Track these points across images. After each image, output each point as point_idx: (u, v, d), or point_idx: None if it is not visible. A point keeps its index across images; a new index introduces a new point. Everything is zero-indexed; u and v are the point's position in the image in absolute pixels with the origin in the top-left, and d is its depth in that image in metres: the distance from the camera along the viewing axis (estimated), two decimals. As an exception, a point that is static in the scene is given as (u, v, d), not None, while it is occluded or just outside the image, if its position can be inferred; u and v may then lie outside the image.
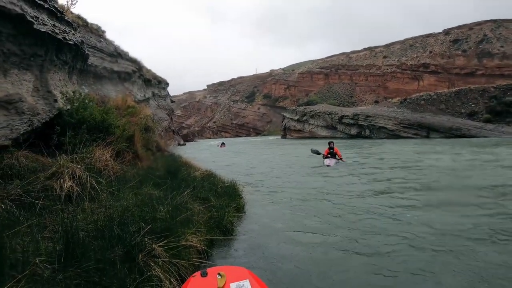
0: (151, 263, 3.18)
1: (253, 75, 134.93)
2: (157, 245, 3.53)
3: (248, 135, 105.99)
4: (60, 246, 2.88)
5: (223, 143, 41.79)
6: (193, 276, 2.55)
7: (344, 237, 5.21)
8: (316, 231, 5.63)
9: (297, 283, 3.79)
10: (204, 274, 2.49)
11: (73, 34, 7.98)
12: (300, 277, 3.92)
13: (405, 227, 5.54)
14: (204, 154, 25.69)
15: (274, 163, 17.06)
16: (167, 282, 3.11)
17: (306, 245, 5.00)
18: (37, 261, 2.58)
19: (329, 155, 14.75)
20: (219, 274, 2.44)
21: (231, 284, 2.33)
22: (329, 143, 15.24)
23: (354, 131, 45.09)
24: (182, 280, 3.31)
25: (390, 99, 59.71)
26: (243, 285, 2.32)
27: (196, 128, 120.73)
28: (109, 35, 21.42)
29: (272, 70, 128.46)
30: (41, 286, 2.40)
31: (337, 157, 14.71)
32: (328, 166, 13.80)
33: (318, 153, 16.04)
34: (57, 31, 6.63)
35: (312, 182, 10.59)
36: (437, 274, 3.84)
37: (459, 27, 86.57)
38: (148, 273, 2.97)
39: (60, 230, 3.12)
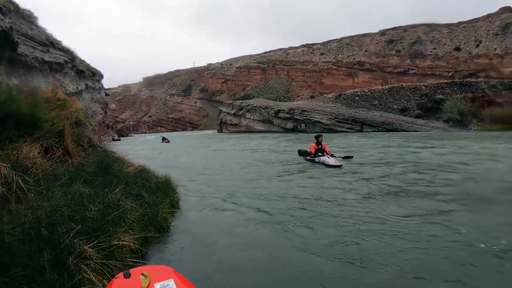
0: (82, 265, 3.06)
1: (190, 68, 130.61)
2: (88, 246, 3.39)
3: (185, 129, 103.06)
4: (-18, 253, 2.66)
5: (165, 138, 37.33)
6: (116, 278, 2.40)
7: (280, 229, 5.36)
8: (252, 223, 5.79)
9: (230, 279, 3.83)
10: (127, 275, 2.36)
11: (2, 19, 7.17)
12: (233, 274, 3.96)
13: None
14: (146, 151, 24.59)
15: (210, 158, 17.27)
16: (100, 285, 3.00)
17: (240, 238, 5.10)
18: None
19: (318, 153, 12.33)
20: (142, 274, 2.32)
21: (155, 284, 2.23)
22: (317, 137, 12.73)
23: (290, 125, 45.33)
24: None
25: (325, 95, 60.73)
26: (168, 284, 2.23)
27: (131, 123, 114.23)
28: (41, 22, 19.34)
29: (209, 64, 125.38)
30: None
31: (325, 153, 12.34)
32: (333, 166, 11.20)
33: (307, 154, 13.12)
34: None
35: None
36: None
37: (394, 28, 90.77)
38: (79, 276, 2.86)
39: (-18, 236, 2.86)
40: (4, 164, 4.61)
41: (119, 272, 3.23)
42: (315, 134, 13.32)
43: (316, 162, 12.15)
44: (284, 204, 6.95)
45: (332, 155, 12.18)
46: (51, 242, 3.16)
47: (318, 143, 12.53)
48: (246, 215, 6.29)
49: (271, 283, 3.71)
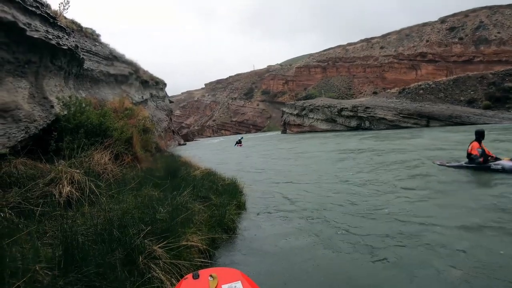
0: (151, 265, 3.17)
1: (251, 71, 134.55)
2: (157, 246, 3.50)
3: (248, 131, 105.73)
4: (60, 251, 2.87)
5: (239, 141, 33.42)
6: (184, 279, 2.51)
7: (351, 238, 5.05)
8: (320, 230, 5.53)
9: (297, 282, 3.77)
10: (196, 276, 2.47)
11: (67, 39, 7.93)
12: (300, 277, 3.90)
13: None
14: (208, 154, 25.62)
15: (278, 158, 17.10)
16: (168, 284, 3.08)
17: (309, 242, 4.96)
18: (37, 268, 2.57)
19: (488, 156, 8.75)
20: (211, 276, 2.42)
21: (223, 286, 2.31)
22: (481, 133, 8.92)
23: (353, 123, 44.84)
24: None
25: (388, 90, 59.50)
26: (235, 286, 2.31)
27: (196, 127, 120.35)
28: (103, 39, 21.30)
29: (269, 66, 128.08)
30: (42, 293, 2.39)
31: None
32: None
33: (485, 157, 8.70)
34: (50, 36, 6.58)
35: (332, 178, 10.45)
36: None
37: (454, 14, 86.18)
38: (148, 275, 2.95)
39: (59, 236, 3.10)
40: (78, 171, 5.03)
41: (187, 272, 3.33)
42: (477, 129, 9.21)
43: (489, 170, 8.49)
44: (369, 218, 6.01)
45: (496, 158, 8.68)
46: (122, 243, 3.33)
47: (480, 140, 8.93)
48: (319, 223, 6.00)
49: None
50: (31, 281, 2.44)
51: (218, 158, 20.98)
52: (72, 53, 8.48)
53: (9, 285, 2.28)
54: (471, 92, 41.70)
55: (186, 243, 3.97)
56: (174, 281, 3.17)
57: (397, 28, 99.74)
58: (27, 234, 3.18)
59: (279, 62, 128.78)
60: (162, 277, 3.09)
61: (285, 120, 59.39)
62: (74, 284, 2.58)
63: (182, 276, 3.16)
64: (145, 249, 3.33)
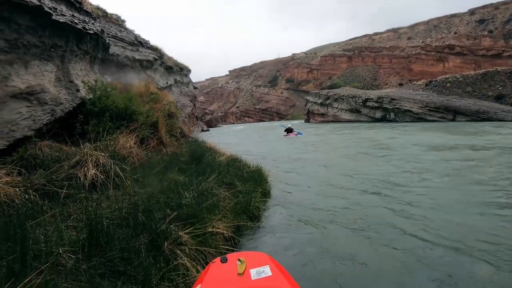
0: (177, 251, 3.08)
1: (275, 59, 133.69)
2: (183, 232, 3.43)
3: (272, 119, 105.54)
4: (84, 235, 2.82)
5: (291, 129, 25.71)
6: (213, 262, 2.51)
7: (376, 228, 4.90)
8: (344, 218, 5.39)
9: (321, 271, 3.67)
10: (224, 260, 2.44)
11: (93, 23, 7.92)
12: (324, 266, 3.79)
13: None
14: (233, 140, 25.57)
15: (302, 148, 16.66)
16: (194, 271, 2.98)
17: (334, 232, 4.82)
18: (61, 251, 2.52)
19: None
20: (239, 260, 2.38)
21: (251, 270, 2.28)
22: None
23: (378, 114, 44.14)
24: None
25: (415, 82, 58.26)
26: (263, 270, 2.27)
27: (219, 114, 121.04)
28: (128, 25, 21.45)
29: (294, 54, 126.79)
30: (65, 276, 2.32)
31: None
32: None
33: None
34: (76, 21, 6.57)
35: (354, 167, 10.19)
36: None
37: (484, 6, 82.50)
38: (175, 262, 2.86)
39: (84, 219, 3.04)
40: (103, 154, 5.02)
41: (212, 259, 3.22)
42: None
43: None
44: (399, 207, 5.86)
45: None
46: (148, 227, 3.26)
47: None
48: (345, 210, 5.84)
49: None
50: (54, 265, 2.37)
51: (242, 143, 20.91)
52: (98, 38, 8.50)
53: (32, 268, 2.22)
54: (500, 88, 40.54)
55: (212, 230, 3.89)
56: (199, 268, 3.09)
57: (425, 18, 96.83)
58: (51, 217, 3.16)
59: (304, 50, 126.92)
60: (188, 263, 3.00)
61: (308, 109, 59.01)
62: (98, 268, 2.51)
63: (207, 263, 3.11)
64: (171, 235, 3.25)
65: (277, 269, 2.31)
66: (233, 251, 3.84)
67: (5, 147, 4.23)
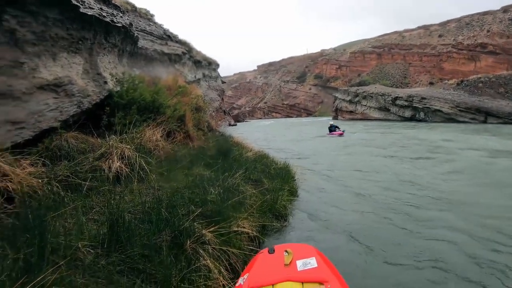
0: (200, 250, 2.96)
1: (304, 55, 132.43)
2: (207, 230, 3.31)
3: (299, 116, 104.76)
4: (105, 229, 2.74)
5: (336, 127, 23.03)
6: (260, 253, 2.65)
7: (407, 228, 4.66)
8: (375, 221, 5.13)
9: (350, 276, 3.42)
10: (271, 251, 2.58)
11: (121, 17, 7.98)
12: (353, 271, 3.56)
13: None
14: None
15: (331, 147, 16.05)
16: (216, 272, 2.85)
17: (363, 238, 4.53)
18: (80, 246, 2.45)
19: None
20: (286, 251, 2.48)
21: (297, 261, 2.37)
22: None
23: (408, 113, 43.10)
24: (233, 270, 3.11)
25: (446, 81, 56.24)
26: (309, 262, 2.35)
27: (247, 109, 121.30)
28: (157, 19, 21.68)
29: (323, 50, 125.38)
30: (82, 272, 2.25)
31: None
32: None
33: None
34: (104, 14, 6.62)
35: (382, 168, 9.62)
36: None
37: None
38: (197, 264, 2.74)
39: (106, 212, 2.97)
40: (128, 146, 5.00)
41: (236, 260, 3.24)
42: None
43: None
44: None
45: None
46: (170, 224, 3.16)
47: None
48: (374, 213, 5.53)
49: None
50: (72, 259, 2.30)
51: (270, 140, 20.67)
52: (126, 31, 8.56)
53: (49, 263, 2.15)
54: (534, 89, 38.38)
55: (237, 229, 3.75)
56: (222, 270, 2.96)
57: (457, 15, 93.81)
58: (73, 209, 3.11)
59: (333, 46, 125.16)
60: (211, 264, 2.86)
61: (337, 106, 58.46)
62: (117, 264, 2.43)
63: (230, 264, 3.15)
64: (194, 233, 3.13)
65: (322, 261, 2.40)
66: (257, 251, 3.69)
67: (31, 138, 4.26)
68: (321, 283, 2.14)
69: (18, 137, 4.04)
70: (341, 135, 21.43)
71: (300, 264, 2.35)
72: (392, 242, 4.26)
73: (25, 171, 3.46)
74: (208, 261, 2.87)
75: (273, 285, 2.18)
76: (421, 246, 4.10)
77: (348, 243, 4.30)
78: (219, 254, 3.11)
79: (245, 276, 2.37)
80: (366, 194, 6.69)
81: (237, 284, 2.41)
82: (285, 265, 2.36)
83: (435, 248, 4.00)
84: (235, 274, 3.07)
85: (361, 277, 3.42)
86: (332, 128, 22.84)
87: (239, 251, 3.40)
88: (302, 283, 2.16)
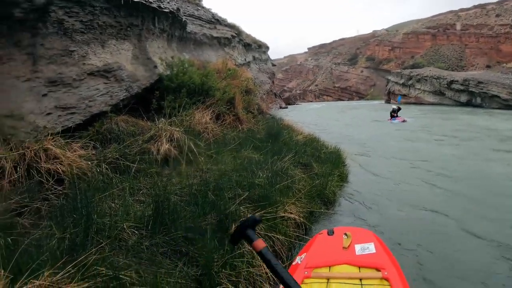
0: None
1: (355, 36, 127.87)
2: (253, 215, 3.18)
3: (351, 99, 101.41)
4: (150, 211, 2.73)
5: (397, 110, 20.68)
6: (320, 234, 2.63)
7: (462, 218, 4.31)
8: (430, 213, 4.72)
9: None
10: (330, 233, 2.56)
11: (168, 2, 8.04)
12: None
13: None
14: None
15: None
16: (259, 259, 2.72)
17: (415, 228, 4.24)
18: (125, 226, 2.45)
19: None
20: (345, 234, 2.47)
21: (356, 245, 2.35)
22: None
23: (463, 98, 40.43)
24: (277, 256, 2.93)
25: (504, 64, 53.01)
26: (368, 247, 2.33)
27: (298, 91, 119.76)
28: (205, 4, 21.82)
29: (374, 31, 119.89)
30: (125, 252, 2.25)
31: None
32: None
33: None
34: (151, 0, 6.68)
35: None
36: None
37: None
38: (240, 249, 2.63)
39: (152, 194, 2.97)
40: (177, 129, 5.02)
41: (280, 246, 3.17)
42: None
43: None
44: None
45: None
46: (216, 207, 3.11)
47: None
48: (432, 210, 4.99)
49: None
50: (116, 240, 2.31)
51: (320, 123, 20.05)
52: (174, 16, 8.63)
53: (93, 243, 2.16)
54: None
55: (284, 214, 3.62)
56: None
57: None
58: (120, 190, 3.15)
59: (385, 27, 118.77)
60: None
61: (389, 89, 56.08)
62: (160, 246, 2.42)
63: (275, 251, 3.09)
64: (240, 217, 3.05)
65: (381, 248, 2.36)
66: (303, 238, 3.57)
67: (82, 122, 4.43)
68: (378, 270, 2.09)
69: (69, 122, 4.22)
70: (404, 121, 18.94)
71: (358, 248, 2.33)
72: (450, 243, 3.84)
73: (75, 154, 3.58)
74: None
75: (330, 266, 2.16)
76: (483, 249, 3.66)
77: (399, 236, 3.94)
78: (263, 239, 2.96)
79: (303, 256, 2.35)
80: (424, 186, 6.11)
81: (293, 263, 2.38)
82: (343, 248, 2.35)
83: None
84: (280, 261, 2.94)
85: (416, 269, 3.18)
86: (394, 113, 20.41)
87: (284, 237, 3.28)
88: (359, 267, 2.13)
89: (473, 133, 13.37)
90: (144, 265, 2.19)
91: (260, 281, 2.59)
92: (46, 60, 4.21)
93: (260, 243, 1.18)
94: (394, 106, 21.47)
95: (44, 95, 4.08)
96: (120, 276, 1.94)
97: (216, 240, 2.60)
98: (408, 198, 5.41)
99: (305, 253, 2.38)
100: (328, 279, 2.05)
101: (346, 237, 2.44)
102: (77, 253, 2.00)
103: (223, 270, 2.35)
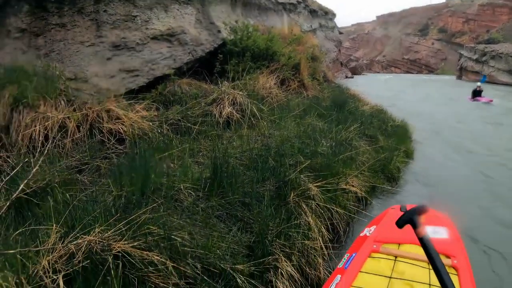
0: (303, 204, 2.68)
1: (427, 5, 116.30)
2: (314, 184, 2.99)
3: (420, 72, 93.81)
4: (208, 173, 2.62)
5: (479, 91, 17.94)
6: (392, 208, 2.53)
7: None
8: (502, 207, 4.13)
9: None
10: (403, 209, 2.19)
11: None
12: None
13: None
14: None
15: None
16: (316, 231, 2.56)
17: (485, 211, 3.89)
18: (182, 187, 2.36)
19: None
20: None
21: (427, 227, 1.93)
22: None
23: None
24: (334, 230, 2.88)
25: None
26: (439, 231, 2.18)
27: (365, 61, 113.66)
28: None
29: (448, 1, 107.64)
30: (180, 213, 2.17)
31: None
32: None
33: None
34: (213, -38, 6.50)
35: None
36: None
37: None
38: (297, 220, 2.46)
39: (211, 156, 2.85)
40: (240, 93, 4.88)
41: (338, 219, 3.00)
42: None
43: None
44: None
45: None
46: (276, 173, 2.95)
47: None
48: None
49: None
50: (173, 200, 2.23)
51: (388, 95, 18.60)
52: (237, -19, 8.38)
53: (149, 201, 2.10)
54: None
55: (345, 186, 3.38)
56: (323, 229, 2.67)
57: None
58: (181, 151, 3.09)
59: None
60: (312, 222, 2.57)
61: (462, 64, 50.59)
62: (216, 209, 2.31)
63: (332, 224, 2.93)
64: (299, 185, 2.85)
65: (453, 234, 2.23)
66: (362, 213, 3.32)
67: (145, 85, 4.47)
68: (448, 257, 1.96)
69: (133, 84, 4.29)
70: (490, 102, 16.15)
71: (429, 230, 1.99)
72: None
73: (138, 115, 3.59)
74: (310, 218, 2.59)
75: (399, 244, 2.08)
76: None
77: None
78: (322, 211, 2.82)
79: (372, 228, 2.27)
80: (502, 178, 5.29)
81: (361, 234, 2.29)
82: None
83: None
84: (336, 236, 2.84)
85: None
86: (477, 93, 17.71)
87: (344, 211, 3.06)
88: None
89: None
90: (198, 227, 2.10)
91: (314, 255, 2.43)
92: (110, 25, 4.29)
93: (423, 230, 1.33)
94: (479, 83, 18.93)
95: (109, 58, 4.18)
96: (172, 236, 1.86)
97: (273, 208, 2.44)
98: (480, 188, 4.80)
99: (375, 226, 2.29)
100: (395, 257, 1.96)
101: None
102: (132, 211, 1.95)
103: (277, 240, 2.20)
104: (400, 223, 1.36)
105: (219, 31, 6.75)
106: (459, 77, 51.59)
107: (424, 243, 1.32)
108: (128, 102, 3.75)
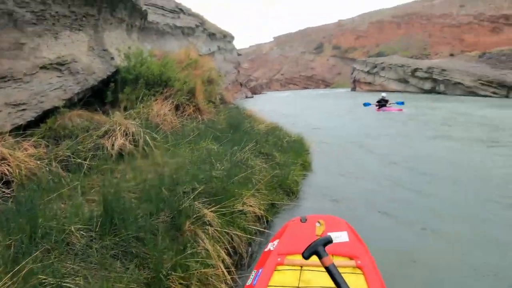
0: (199, 232, 2.78)
1: (321, 25, 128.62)
2: (209, 210, 3.12)
3: (317, 87, 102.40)
4: (99, 211, 2.62)
5: (384, 101, 18.32)
6: (291, 220, 2.61)
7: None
8: (395, 203, 4.76)
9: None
10: (303, 220, 2.53)
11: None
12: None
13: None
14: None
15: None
16: (216, 256, 2.66)
17: (380, 215, 4.33)
18: (73, 229, 2.35)
19: None
20: (318, 221, 2.45)
21: (329, 233, 2.22)
22: None
23: (427, 85, 41.95)
24: (235, 253, 3.00)
25: (467, 53, 54.03)
26: (341, 236, 2.31)
27: (264, 80, 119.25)
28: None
29: (340, 20, 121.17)
30: (73, 257, 2.15)
31: None
32: None
33: None
34: (107, -12, 6.38)
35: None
36: None
37: None
38: (194, 249, 2.55)
39: (102, 192, 2.83)
40: (133, 122, 4.87)
41: (238, 243, 3.08)
42: None
43: None
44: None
45: None
46: (170, 203, 3.00)
47: None
48: (390, 188, 5.28)
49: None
50: (64, 244, 2.21)
51: (287, 112, 19.92)
52: (133, 5, 8.28)
53: (38, 248, 2.07)
54: None
55: (242, 208, 3.55)
56: (222, 253, 2.77)
57: None
58: (72, 190, 3.02)
59: (350, 16, 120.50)
60: (210, 248, 2.67)
61: (355, 77, 57.47)
62: (110, 248, 2.31)
63: (233, 247, 3.02)
64: (194, 213, 2.96)
65: (354, 237, 2.35)
66: (263, 233, 3.51)
67: (33, 119, 4.19)
68: (351, 258, 2.11)
69: (20, 119, 3.98)
70: (400, 111, 16.58)
71: (332, 236, 2.27)
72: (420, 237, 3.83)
73: (25, 153, 3.37)
74: (207, 245, 2.69)
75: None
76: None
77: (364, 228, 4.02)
78: (220, 236, 2.93)
79: (275, 242, 2.34)
80: (395, 177, 6.03)
81: (266, 249, 2.37)
82: (316, 235, 2.31)
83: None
84: (237, 258, 2.95)
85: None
86: (382, 103, 17.88)
87: (242, 233, 3.20)
88: (332, 256, 2.10)
89: (442, 118, 14.01)
90: (94, 269, 2.09)
91: (216, 282, 2.49)
92: (-5, 54, 3.94)
93: (329, 260, 1.39)
94: (383, 94, 19.42)
95: (-7, 91, 3.81)
96: (64, 284, 1.84)
97: (169, 240, 2.53)
98: (376, 192, 5.29)
99: (277, 240, 2.36)
100: (301, 267, 2.04)
101: (319, 224, 2.42)
102: (21, 261, 1.89)
103: (173, 273, 2.24)
104: (305, 255, 1.42)
105: (112, 58, 6.59)
106: (353, 89, 57.50)
107: (330, 271, 1.37)
108: (14, 139, 3.48)
